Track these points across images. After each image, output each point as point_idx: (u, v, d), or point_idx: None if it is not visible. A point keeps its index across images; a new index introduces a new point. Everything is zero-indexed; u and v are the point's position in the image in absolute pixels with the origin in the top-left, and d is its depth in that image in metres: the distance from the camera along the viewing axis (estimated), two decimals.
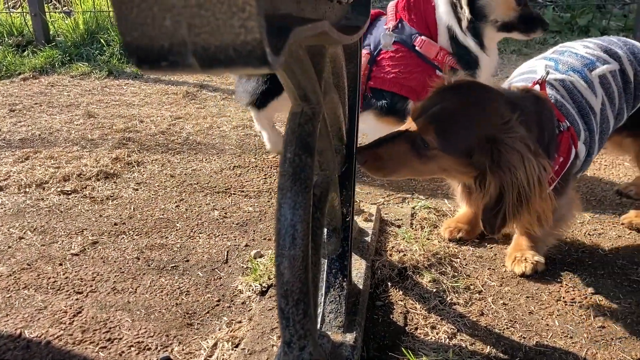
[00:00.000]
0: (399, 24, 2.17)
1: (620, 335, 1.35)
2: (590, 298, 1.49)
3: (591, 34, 4.18)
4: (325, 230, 1.33)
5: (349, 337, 1.24)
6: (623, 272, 1.59)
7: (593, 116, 1.49)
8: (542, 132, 1.32)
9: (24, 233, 1.87)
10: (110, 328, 1.41)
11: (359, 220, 1.76)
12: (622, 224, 1.83)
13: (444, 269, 1.60)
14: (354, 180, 1.44)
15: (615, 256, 1.67)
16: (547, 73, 1.45)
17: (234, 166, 2.42)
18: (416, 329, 1.38)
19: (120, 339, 1.37)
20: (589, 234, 1.79)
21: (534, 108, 1.32)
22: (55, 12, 5.19)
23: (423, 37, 2.11)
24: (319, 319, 1.28)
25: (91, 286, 1.58)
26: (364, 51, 2.17)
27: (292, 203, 0.95)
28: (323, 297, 1.31)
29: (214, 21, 0.51)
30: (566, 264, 1.63)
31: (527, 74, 1.55)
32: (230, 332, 1.39)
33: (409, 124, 1.30)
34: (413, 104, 1.33)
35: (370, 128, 2.20)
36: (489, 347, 1.32)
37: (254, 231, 1.88)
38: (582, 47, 1.59)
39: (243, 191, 2.18)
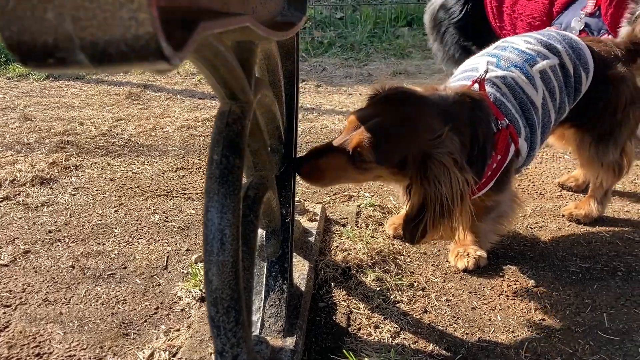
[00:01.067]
0: (596, 12, 2.13)
1: (560, 327, 1.37)
2: (532, 291, 1.50)
3: None
4: (264, 232, 1.30)
5: (289, 342, 1.21)
6: (563, 264, 1.61)
7: (535, 111, 1.50)
8: (476, 134, 1.33)
9: None
10: (39, 342, 1.34)
11: (303, 220, 1.73)
12: (563, 215, 1.86)
13: (387, 267, 1.59)
14: (294, 180, 1.41)
15: (556, 248, 1.69)
16: (486, 72, 1.46)
17: (177, 168, 2.35)
18: (359, 329, 1.36)
19: (50, 353, 1.30)
20: (530, 227, 1.81)
21: (467, 112, 1.34)
22: None
23: (610, 36, 2.06)
24: (259, 324, 1.25)
25: (20, 298, 1.50)
26: (553, 28, 2.15)
27: (220, 207, 0.91)
28: (263, 302, 1.28)
29: (100, 14, 0.47)
30: (508, 258, 1.65)
31: (469, 71, 1.55)
32: (168, 340, 1.33)
33: (347, 134, 1.29)
34: (350, 113, 1.33)
35: None
36: (431, 344, 1.32)
37: (196, 235, 1.82)
38: (523, 43, 1.60)
39: (185, 194, 2.12)
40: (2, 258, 1.68)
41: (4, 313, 1.44)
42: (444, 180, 1.20)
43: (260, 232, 1.30)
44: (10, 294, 1.51)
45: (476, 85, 1.43)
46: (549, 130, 1.59)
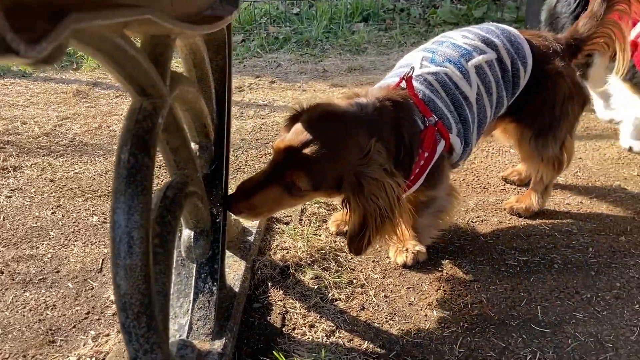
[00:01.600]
0: None
1: (495, 321, 1.37)
2: (469, 286, 1.50)
3: None
4: (192, 232, 1.26)
5: (218, 345, 1.18)
6: (501, 258, 1.62)
7: (468, 107, 1.50)
8: (402, 137, 1.34)
9: None
10: None
11: (242, 219, 1.70)
12: (504, 209, 1.87)
13: (328, 265, 1.57)
14: (227, 179, 1.38)
15: (495, 242, 1.70)
16: (413, 69, 1.46)
17: None
18: (294, 329, 1.34)
19: None
20: (472, 221, 1.82)
21: (390, 116, 1.34)
22: None
23: None
24: (187, 328, 1.21)
25: None
26: None
27: (127, 208, 0.87)
28: (191, 304, 1.24)
29: None
30: (448, 252, 1.64)
31: (403, 67, 1.55)
32: (96, 347, 1.29)
33: (275, 164, 1.26)
34: (276, 140, 1.30)
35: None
36: (366, 342, 1.30)
37: None
38: (461, 37, 1.60)
39: None
40: None
41: None
42: (379, 194, 1.22)
43: (189, 233, 1.26)
44: None
45: (404, 83, 1.43)
46: (486, 125, 1.59)
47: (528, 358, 1.25)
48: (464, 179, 2.11)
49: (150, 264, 0.89)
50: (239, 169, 2.26)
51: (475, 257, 1.62)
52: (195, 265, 1.27)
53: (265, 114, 2.99)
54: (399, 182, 1.26)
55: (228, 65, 1.43)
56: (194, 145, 1.32)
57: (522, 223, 1.80)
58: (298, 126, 1.28)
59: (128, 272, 0.87)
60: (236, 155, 2.38)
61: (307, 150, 1.22)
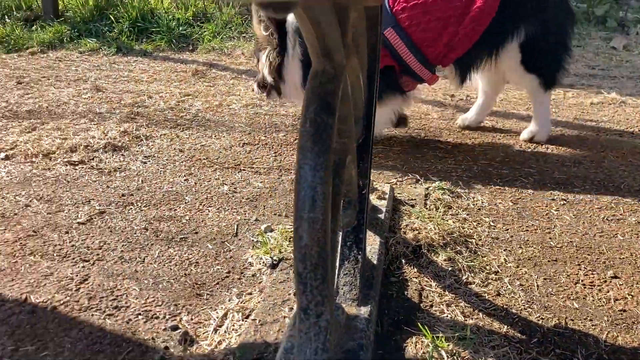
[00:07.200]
0: None
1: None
2: (609, 282, 1.45)
3: (608, 24, 4.10)
4: (342, 201, 1.29)
5: (364, 310, 1.21)
6: None
7: None
8: None
9: (30, 201, 1.84)
10: (117, 296, 1.38)
11: (372, 198, 1.72)
12: None
13: (459, 249, 1.56)
14: (372, 153, 1.40)
15: (636, 241, 1.63)
16: None
17: (244, 143, 2.37)
18: (431, 306, 1.34)
19: (128, 307, 1.34)
20: (607, 219, 1.74)
21: None
22: None
23: None
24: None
25: (98, 255, 1.55)
26: None
27: (313, 164, 0.91)
28: (337, 270, 1.27)
29: None
30: (584, 249, 1.59)
31: None
32: (241, 303, 1.35)
33: None
34: None
35: None
36: (506, 327, 1.29)
37: (264, 206, 1.84)
38: None
39: (253, 168, 2.14)
40: (79, 216, 1.74)
41: (83, 267, 1.49)
42: None
43: None
44: (88, 250, 1.56)
45: None
46: None
47: None
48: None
49: (329, 219, 0.93)
50: None
51: (613, 254, 1.56)
52: (340, 233, 1.31)
53: None
54: None
55: (378, 42, 1.45)
56: None
57: None
58: None
59: (311, 225, 0.90)
60: None
61: None
